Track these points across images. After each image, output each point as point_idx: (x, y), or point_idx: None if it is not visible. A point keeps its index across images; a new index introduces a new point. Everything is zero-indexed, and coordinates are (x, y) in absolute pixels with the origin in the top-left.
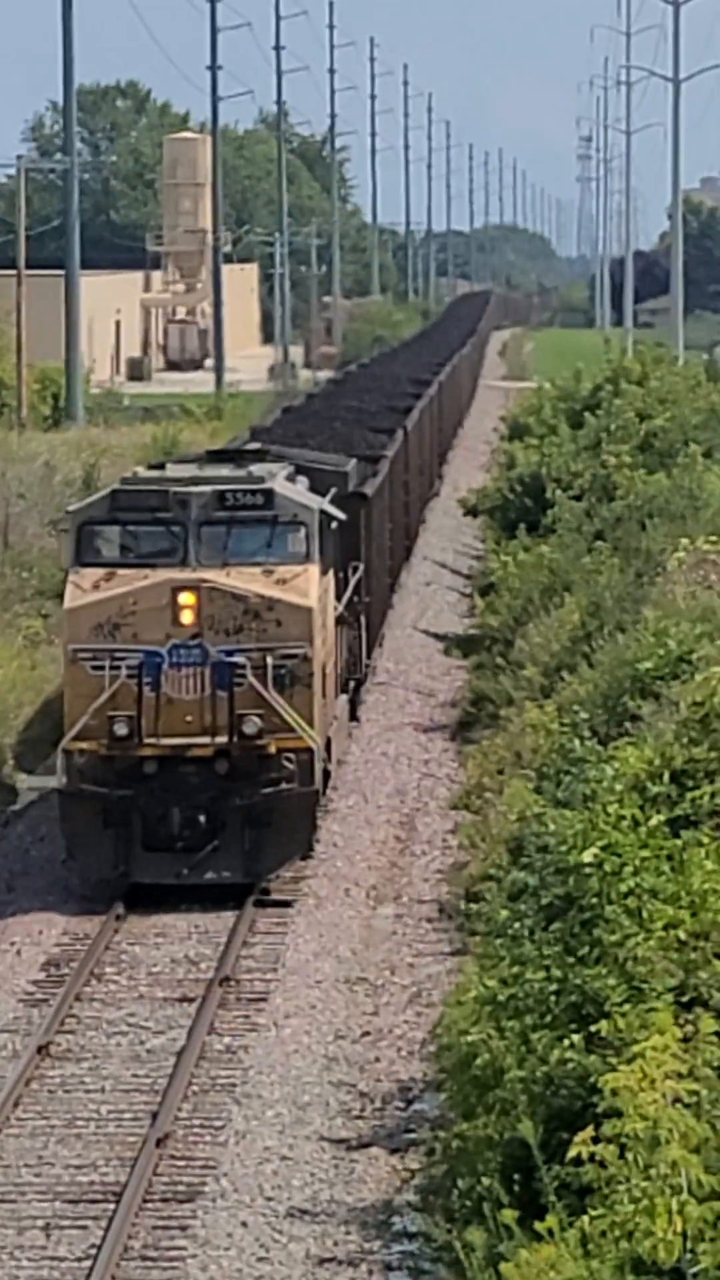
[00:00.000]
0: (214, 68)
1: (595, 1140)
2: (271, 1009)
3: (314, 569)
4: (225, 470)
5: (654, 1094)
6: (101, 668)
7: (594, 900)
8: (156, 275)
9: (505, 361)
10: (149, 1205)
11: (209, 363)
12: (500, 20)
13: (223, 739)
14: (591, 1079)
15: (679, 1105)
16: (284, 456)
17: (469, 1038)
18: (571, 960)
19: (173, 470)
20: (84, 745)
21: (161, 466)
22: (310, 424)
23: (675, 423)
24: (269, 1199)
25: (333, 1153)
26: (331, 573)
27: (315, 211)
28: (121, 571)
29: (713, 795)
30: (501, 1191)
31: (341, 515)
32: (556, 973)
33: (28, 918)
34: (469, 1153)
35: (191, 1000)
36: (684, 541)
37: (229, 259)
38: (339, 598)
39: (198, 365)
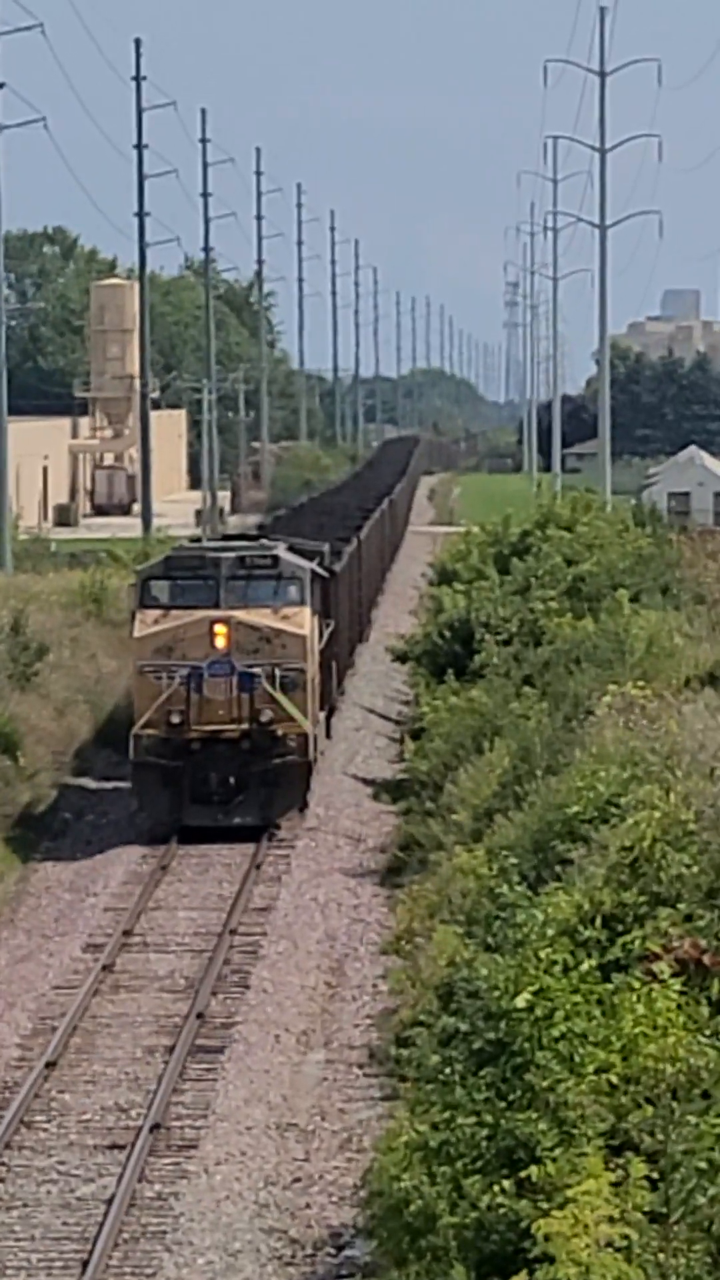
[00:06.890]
0: (141, 214)
1: None
2: (202, 1155)
3: (307, 610)
4: (243, 543)
5: (586, 1239)
6: (160, 677)
7: (525, 1045)
8: (84, 421)
9: (434, 506)
10: None
11: (137, 508)
12: (428, 167)
13: (245, 725)
14: (524, 1224)
15: (611, 1250)
16: (279, 540)
17: (400, 1184)
18: (502, 1105)
19: (207, 543)
20: (149, 731)
21: (199, 541)
22: (282, 534)
23: (602, 567)
24: None
25: None
26: (319, 617)
27: (243, 357)
28: (173, 611)
29: (643, 940)
30: None
31: (325, 573)
32: (488, 1118)
33: None
34: None
35: (122, 1148)
36: (612, 686)
37: (156, 405)
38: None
39: (125, 510)
